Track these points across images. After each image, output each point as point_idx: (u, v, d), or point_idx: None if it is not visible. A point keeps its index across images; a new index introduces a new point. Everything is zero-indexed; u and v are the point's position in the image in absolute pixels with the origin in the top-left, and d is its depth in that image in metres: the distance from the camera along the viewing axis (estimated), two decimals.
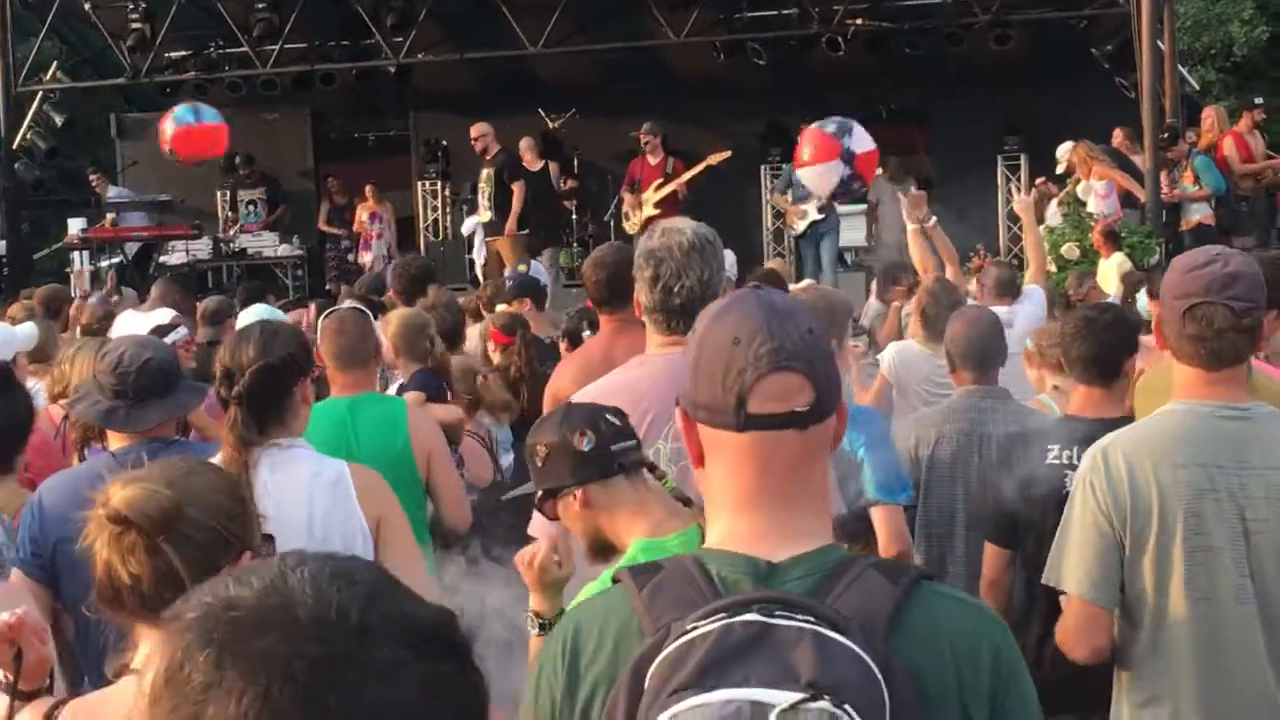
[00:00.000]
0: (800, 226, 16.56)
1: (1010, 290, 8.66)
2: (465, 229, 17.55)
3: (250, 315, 7.92)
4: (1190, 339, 3.59)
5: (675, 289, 4.08)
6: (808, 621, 1.99)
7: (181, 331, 7.37)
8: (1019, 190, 12.08)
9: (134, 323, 9.52)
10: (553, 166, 18.66)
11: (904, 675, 2.00)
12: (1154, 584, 3.58)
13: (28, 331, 6.88)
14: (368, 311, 5.95)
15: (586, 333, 7.64)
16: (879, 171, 18.41)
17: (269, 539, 2.91)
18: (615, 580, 2.23)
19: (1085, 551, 3.62)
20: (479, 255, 16.51)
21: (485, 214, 16.58)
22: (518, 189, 16.23)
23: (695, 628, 2.01)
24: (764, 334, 2.15)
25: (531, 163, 17.05)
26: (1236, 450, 3.56)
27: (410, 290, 8.25)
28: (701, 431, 2.22)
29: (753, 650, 1.97)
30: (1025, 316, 8.09)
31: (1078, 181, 14.45)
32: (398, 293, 8.53)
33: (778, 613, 2.00)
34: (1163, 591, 3.57)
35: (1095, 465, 3.65)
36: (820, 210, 16.34)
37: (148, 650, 2.54)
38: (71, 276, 19.71)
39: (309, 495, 4.14)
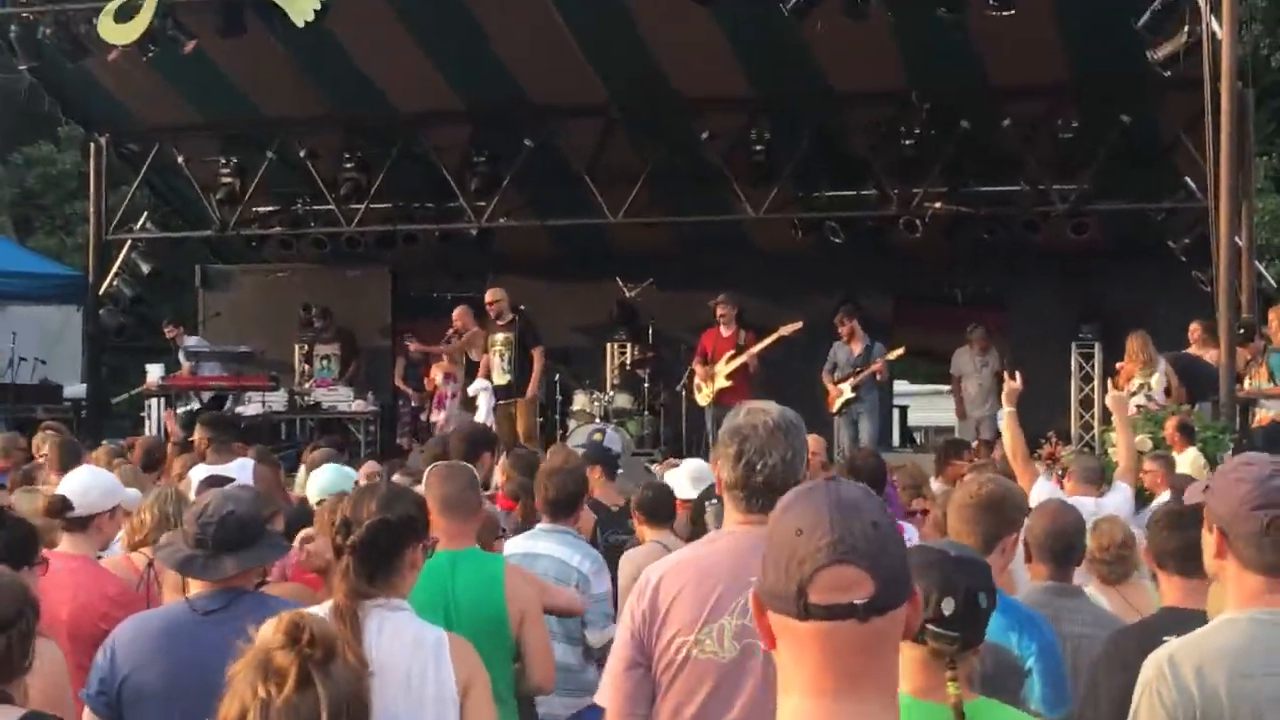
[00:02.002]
0: (836, 405, 16.99)
1: (1097, 480, 8.65)
2: (472, 390, 17.60)
3: (321, 474, 8.01)
4: (1273, 547, 3.60)
5: (758, 467, 4.10)
6: None
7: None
8: (1112, 385, 12.14)
9: (203, 474, 9.68)
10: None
11: None
12: None
13: (134, 495, 7.01)
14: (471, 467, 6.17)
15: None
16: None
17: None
18: None
19: None
20: (485, 418, 16.49)
21: (503, 377, 16.72)
22: (538, 354, 16.58)
23: None
24: (825, 527, 2.23)
25: None
26: None
27: (468, 455, 8.31)
28: (770, 616, 2.29)
29: None
30: (1113, 509, 8.05)
31: (1151, 374, 14.43)
32: (456, 454, 8.58)
33: None
34: None
35: (1161, 674, 3.60)
36: (854, 390, 16.65)
37: None
38: (146, 422, 19.98)
39: (409, 657, 4.28)
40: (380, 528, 4.30)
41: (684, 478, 9.02)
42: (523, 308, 17.36)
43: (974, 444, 15.45)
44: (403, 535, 4.35)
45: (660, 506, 8.01)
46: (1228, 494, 3.70)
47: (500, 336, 16.88)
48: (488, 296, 17.14)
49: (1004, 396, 8.93)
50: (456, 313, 17.89)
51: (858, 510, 2.25)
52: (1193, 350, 15.34)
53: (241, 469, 9.79)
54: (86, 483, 6.22)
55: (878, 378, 17.05)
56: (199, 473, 9.84)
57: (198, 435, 11.15)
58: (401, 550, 4.36)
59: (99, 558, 6.30)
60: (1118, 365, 14.62)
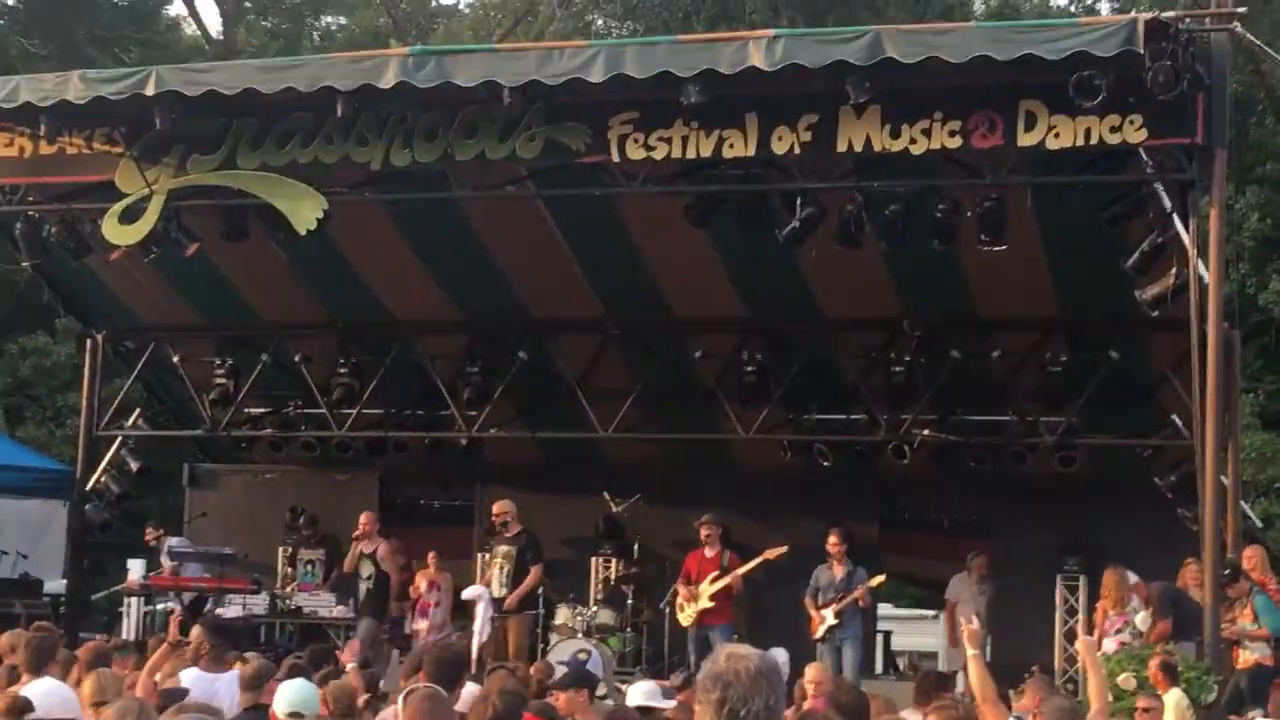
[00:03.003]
0: (820, 632, 16.82)
1: None
2: (467, 594, 17.48)
3: (290, 689, 8.00)
4: None
5: (742, 714, 4.02)
6: None
7: None
8: (1083, 631, 12.20)
9: (194, 679, 9.67)
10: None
11: None
12: None
13: None
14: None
15: None
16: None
17: None
18: None
19: None
20: (481, 628, 16.38)
21: (500, 590, 16.80)
22: (536, 571, 16.73)
23: None
24: None
25: None
26: None
27: (442, 678, 8.27)
28: None
29: None
30: None
31: (1136, 611, 14.41)
32: (430, 679, 8.51)
33: None
34: None
35: None
36: (837, 616, 16.57)
37: None
38: (125, 620, 19.85)
39: None
40: None
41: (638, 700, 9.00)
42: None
43: (959, 675, 15.34)
44: None
45: None
46: None
47: (503, 549, 17.02)
48: (495, 509, 17.33)
49: (965, 639, 8.94)
50: (364, 517, 18.08)
51: None
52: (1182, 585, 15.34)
53: (231, 683, 9.73)
54: (49, 689, 6.34)
55: (860, 604, 16.99)
56: (189, 677, 9.85)
57: (195, 637, 11.02)
58: None
59: None
60: (1097, 604, 14.61)
